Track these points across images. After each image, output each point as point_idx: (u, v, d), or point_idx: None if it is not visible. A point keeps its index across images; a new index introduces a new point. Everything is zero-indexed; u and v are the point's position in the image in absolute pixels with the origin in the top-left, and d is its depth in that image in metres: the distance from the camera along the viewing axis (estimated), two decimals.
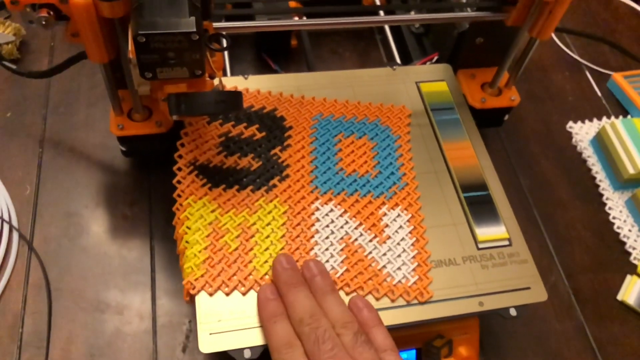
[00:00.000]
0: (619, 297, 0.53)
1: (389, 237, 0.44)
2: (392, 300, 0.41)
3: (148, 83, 0.42)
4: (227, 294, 0.40)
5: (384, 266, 0.43)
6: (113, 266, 0.49)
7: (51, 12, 0.40)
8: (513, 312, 0.42)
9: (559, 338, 0.51)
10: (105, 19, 0.39)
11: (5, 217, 0.50)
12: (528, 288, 0.44)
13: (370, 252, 0.43)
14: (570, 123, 0.65)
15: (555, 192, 0.60)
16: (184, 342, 0.46)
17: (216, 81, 0.43)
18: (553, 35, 0.72)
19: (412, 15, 0.56)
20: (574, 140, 0.64)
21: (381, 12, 0.66)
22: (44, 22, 0.40)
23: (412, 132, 0.51)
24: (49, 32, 0.64)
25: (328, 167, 0.47)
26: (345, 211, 0.45)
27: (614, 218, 0.58)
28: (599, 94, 0.69)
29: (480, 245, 0.45)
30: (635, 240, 0.56)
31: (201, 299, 0.40)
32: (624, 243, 0.57)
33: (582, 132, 0.64)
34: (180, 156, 0.46)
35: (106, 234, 0.51)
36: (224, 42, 0.42)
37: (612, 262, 0.56)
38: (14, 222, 0.50)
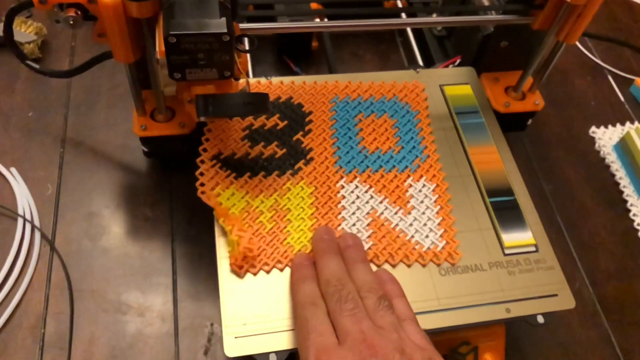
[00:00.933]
0: None
1: (414, 208, 0.45)
2: (424, 265, 0.42)
3: (174, 84, 0.41)
4: (268, 272, 0.41)
5: (412, 236, 0.44)
6: (134, 267, 0.49)
7: (79, 12, 0.40)
8: (540, 319, 0.42)
9: (584, 346, 0.50)
10: (133, 19, 0.39)
11: (28, 216, 0.50)
12: (555, 295, 0.43)
13: (397, 224, 0.44)
14: (593, 128, 0.64)
15: (578, 197, 0.59)
16: (206, 345, 0.46)
17: (242, 83, 0.43)
18: (577, 41, 0.71)
19: (436, 18, 0.55)
20: (597, 145, 0.63)
21: (403, 15, 0.65)
22: (71, 22, 0.40)
23: (437, 135, 0.50)
24: (70, 32, 0.64)
25: (350, 147, 0.48)
26: (371, 187, 0.46)
27: (638, 225, 0.57)
28: (622, 98, 0.68)
29: (507, 251, 0.44)
30: None
31: (226, 302, 0.40)
32: None
33: (605, 138, 0.63)
34: (204, 149, 0.46)
35: (127, 235, 0.51)
36: (248, 43, 0.42)
37: (637, 269, 0.55)
38: (36, 222, 0.50)
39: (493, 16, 0.51)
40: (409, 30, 0.67)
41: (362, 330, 0.34)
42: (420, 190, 0.46)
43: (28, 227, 0.50)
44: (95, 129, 0.57)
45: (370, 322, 0.35)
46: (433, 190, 0.46)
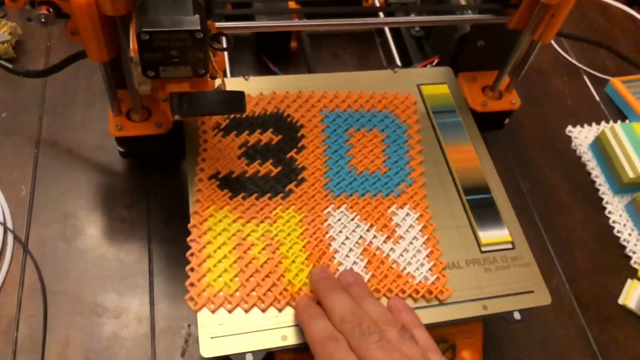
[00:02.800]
0: (620, 301, 0.53)
1: (402, 237, 0.44)
2: (415, 300, 0.41)
3: (149, 82, 0.41)
4: (263, 311, 0.39)
5: (404, 267, 0.42)
6: (110, 269, 0.49)
7: (51, 10, 0.39)
8: (517, 315, 0.42)
9: (561, 342, 0.50)
10: (106, 16, 0.39)
11: (0, 218, 0.49)
12: (532, 291, 0.43)
13: (388, 254, 0.43)
14: (570, 127, 0.65)
15: (555, 195, 0.60)
16: (183, 346, 0.46)
17: (218, 82, 0.43)
18: (551, 40, 0.72)
19: (413, 17, 0.56)
20: (573, 144, 0.64)
21: (381, 14, 0.65)
22: (43, 20, 0.39)
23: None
24: (46, 31, 0.63)
25: (341, 166, 0.47)
26: (357, 214, 0.44)
27: (613, 222, 0.58)
28: (597, 98, 0.69)
29: (484, 249, 0.45)
30: (635, 245, 0.56)
31: None
32: (624, 247, 0.57)
33: (582, 137, 0.64)
34: (202, 169, 0.45)
35: (103, 237, 0.50)
36: (225, 42, 0.42)
37: (613, 266, 0.55)
38: (9, 224, 0.50)
39: (469, 15, 0.52)
40: (387, 30, 0.67)
41: (396, 359, 0.33)
42: (404, 219, 0.45)
43: (0, 229, 0.49)
44: (71, 130, 0.56)
45: (400, 354, 0.34)
46: (417, 219, 0.45)
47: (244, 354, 0.38)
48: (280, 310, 0.40)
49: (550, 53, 0.73)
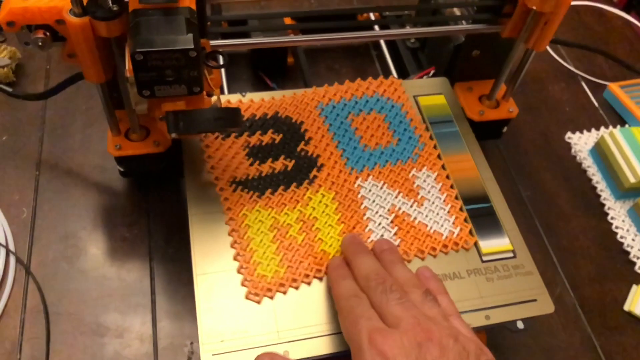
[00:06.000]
0: (626, 307, 0.53)
1: (425, 199, 0.46)
2: (446, 253, 0.44)
3: (146, 102, 0.41)
4: (309, 284, 0.41)
5: (431, 227, 0.45)
6: (112, 288, 0.49)
7: (47, 33, 0.40)
8: (520, 324, 0.42)
9: (567, 350, 0.50)
10: (102, 38, 0.39)
11: (2, 240, 0.50)
12: (534, 300, 0.43)
13: (415, 217, 0.45)
14: (569, 134, 0.65)
15: (556, 203, 0.59)
16: None
17: (214, 99, 0.43)
18: (548, 47, 0.73)
19: (408, 29, 0.56)
20: (573, 150, 0.64)
21: (376, 27, 0.66)
22: (40, 43, 0.40)
23: None
24: (45, 55, 0.64)
25: (354, 146, 0.49)
26: (384, 183, 0.47)
27: (616, 228, 0.58)
28: (596, 104, 0.69)
29: (485, 258, 0.44)
30: (639, 250, 0.56)
31: (203, 319, 0.39)
32: (627, 252, 0.56)
33: (581, 143, 0.64)
34: (217, 178, 0.46)
35: (105, 256, 0.50)
36: (221, 60, 0.42)
37: (617, 272, 0.55)
38: (11, 246, 0.50)
39: (463, 26, 0.52)
40: (383, 43, 0.67)
41: (415, 315, 0.34)
42: (424, 180, 0.48)
43: (2, 251, 0.49)
44: (71, 151, 0.57)
45: (420, 311, 0.34)
46: (435, 179, 0.48)
47: None
48: (320, 279, 0.42)
49: (547, 60, 0.73)
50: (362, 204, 0.45)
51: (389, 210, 0.45)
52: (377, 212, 0.45)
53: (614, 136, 0.60)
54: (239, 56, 0.66)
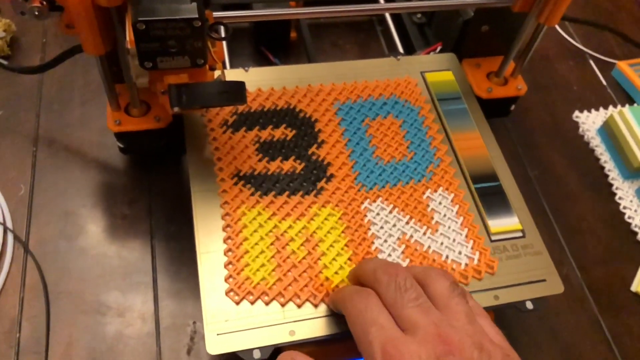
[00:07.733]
0: (633, 288, 0.52)
1: (440, 224, 0.43)
2: (466, 284, 0.41)
3: (147, 74, 0.40)
4: (299, 306, 0.39)
5: (447, 255, 0.42)
6: (113, 267, 0.48)
7: (44, 2, 0.38)
8: (529, 305, 0.41)
9: (574, 331, 0.49)
10: (101, 7, 0.37)
11: None
12: (544, 280, 0.42)
13: (429, 247, 0.42)
14: (577, 112, 0.64)
15: (563, 182, 0.59)
16: (188, 344, 0.45)
17: (217, 73, 0.42)
18: (556, 25, 0.71)
19: (415, 2, 0.54)
20: (580, 129, 0.63)
21: (382, 0, 0.64)
22: (36, 13, 0.38)
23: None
24: (41, 28, 0.62)
25: (367, 159, 0.46)
26: (395, 206, 0.44)
27: (624, 208, 0.57)
28: (604, 82, 0.68)
29: (493, 237, 0.44)
30: None
31: (207, 298, 0.38)
32: (635, 233, 0.55)
33: (589, 122, 0.63)
34: (220, 169, 0.44)
35: (105, 234, 0.49)
36: (223, 32, 0.41)
37: (624, 252, 0.54)
38: (9, 224, 0.49)
39: (473, 0, 0.51)
40: (388, 18, 0.66)
41: (434, 322, 0.30)
42: (440, 203, 0.44)
43: (0, 229, 0.48)
44: (69, 127, 0.55)
45: (440, 314, 0.31)
46: (452, 201, 0.44)
47: (251, 350, 0.37)
48: (316, 305, 0.39)
49: (555, 38, 0.71)
50: (369, 229, 0.42)
51: (398, 239, 0.42)
52: (385, 241, 0.42)
53: (624, 115, 0.59)
54: (240, 31, 0.64)
